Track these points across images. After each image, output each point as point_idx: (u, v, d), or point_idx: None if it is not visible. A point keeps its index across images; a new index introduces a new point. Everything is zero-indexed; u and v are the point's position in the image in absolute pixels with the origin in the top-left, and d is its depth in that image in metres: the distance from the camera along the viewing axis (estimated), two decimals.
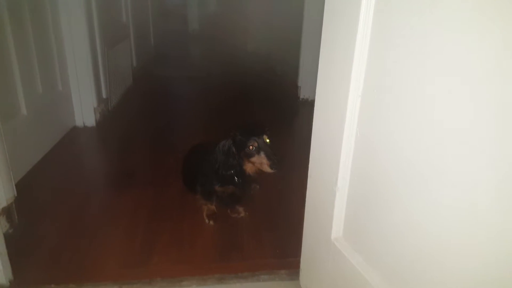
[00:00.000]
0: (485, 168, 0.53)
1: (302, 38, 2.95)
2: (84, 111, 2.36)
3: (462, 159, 0.57)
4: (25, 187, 1.66)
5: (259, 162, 1.31)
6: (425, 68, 0.62)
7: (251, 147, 1.30)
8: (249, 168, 1.38)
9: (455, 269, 0.61)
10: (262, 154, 1.30)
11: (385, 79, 0.71)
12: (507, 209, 0.51)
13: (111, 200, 1.63)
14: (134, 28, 3.40)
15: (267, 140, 1.32)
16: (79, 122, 2.38)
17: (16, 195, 1.42)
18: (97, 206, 1.59)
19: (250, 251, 1.33)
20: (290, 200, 1.62)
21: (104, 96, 2.53)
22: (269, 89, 3.45)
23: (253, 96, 3.22)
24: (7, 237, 1.19)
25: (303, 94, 3.08)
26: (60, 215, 1.50)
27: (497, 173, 0.52)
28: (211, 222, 1.46)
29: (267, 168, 1.30)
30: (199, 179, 1.52)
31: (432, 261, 0.65)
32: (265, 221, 1.50)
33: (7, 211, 1.35)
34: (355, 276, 0.85)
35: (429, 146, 0.63)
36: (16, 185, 1.45)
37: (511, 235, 0.51)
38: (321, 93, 0.91)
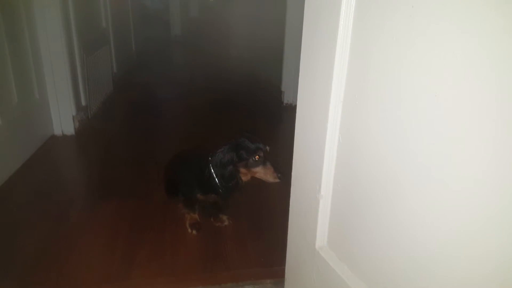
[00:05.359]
0: (471, 176, 0.52)
1: (285, 42, 2.95)
2: (63, 119, 2.30)
3: (447, 165, 0.56)
4: (1, 198, 1.59)
5: (263, 173, 1.30)
6: (408, 72, 0.61)
7: (257, 157, 1.28)
8: (243, 177, 1.35)
9: (442, 278, 0.60)
10: (268, 165, 1.29)
11: (366, 84, 0.70)
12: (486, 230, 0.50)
13: (90, 211, 1.58)
14: (114, 33, 3.34)
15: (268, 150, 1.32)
16: (57, 131, 2.31)
17: None
18: (76, 218, 1.54)
19: (234, 260, 1.31)
20: (275, 208, 1.60)
21: (83, 103, 2.47)
22: (252, 94, 3.44)
23: (236, 101, 3.20)
24: None
25: (286, 99, 3.07)
26: (37, 228, 1.45)
27: (484, 186, 0.51)
28: (194, 232, 1.43)
29: (272, 178, 1.29)
30: (181, 188, 1.49)
31: (418, 270, 0.64)
32: (249, 229, 1.47)
33: None
34: (340, 285, 0.83)
35: (412, 152, 0.61)
36: None
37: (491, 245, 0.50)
38: (303, 100, 0.90)
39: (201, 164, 1.37)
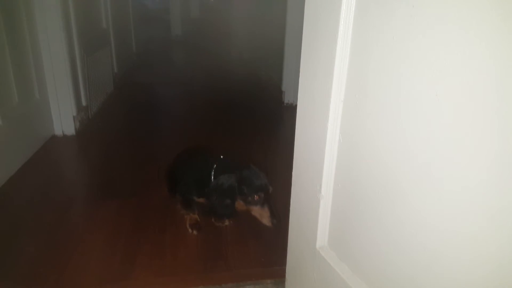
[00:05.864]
0: (471, 176, 0.52)
1: (286, 42, 2.95)
2: (63, 119, 2.30)
3: (447, 165, 0.55)
4: (2, 199, 1.59)
5: (259, 213, 1.30)
6: (408, 72, 0.60)
7: (257, 197, 1.28)
8: (239, 206, 1.35)
9: (443, 277, 0.60)
10: (266, 207, 1.29)
11: (367, 84, 0.70)
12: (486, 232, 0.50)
13: (91, 212, 1.58)
14: (115, 34, 3.34)
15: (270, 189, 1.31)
16: (58, 131, 2.31)
17: None
18: (77, 218, 1.54)
19: (234, 260, 1.30)
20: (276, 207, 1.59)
21: (83, 104, 2.47)
22: (253, 94, 3.44)
23: (237, 101, 3.20)
24: None
25: (287, 99, 3.08)
26: (38, 228, 1.45)
27: (485, 185, 0.51)
28: (195, 232, 1.42)
29: (266, 222, 1.29)
30: (180, 188, 1.49)
31: (419, 270, 0.64)
32: (250, 229, 1.47)
33: None
34: (340, 285, 0.83)
35: (412, 152, 0.61)
36: None
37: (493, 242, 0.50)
38: (303, 99, 0.90)
39: (202, 170, 1.37)
